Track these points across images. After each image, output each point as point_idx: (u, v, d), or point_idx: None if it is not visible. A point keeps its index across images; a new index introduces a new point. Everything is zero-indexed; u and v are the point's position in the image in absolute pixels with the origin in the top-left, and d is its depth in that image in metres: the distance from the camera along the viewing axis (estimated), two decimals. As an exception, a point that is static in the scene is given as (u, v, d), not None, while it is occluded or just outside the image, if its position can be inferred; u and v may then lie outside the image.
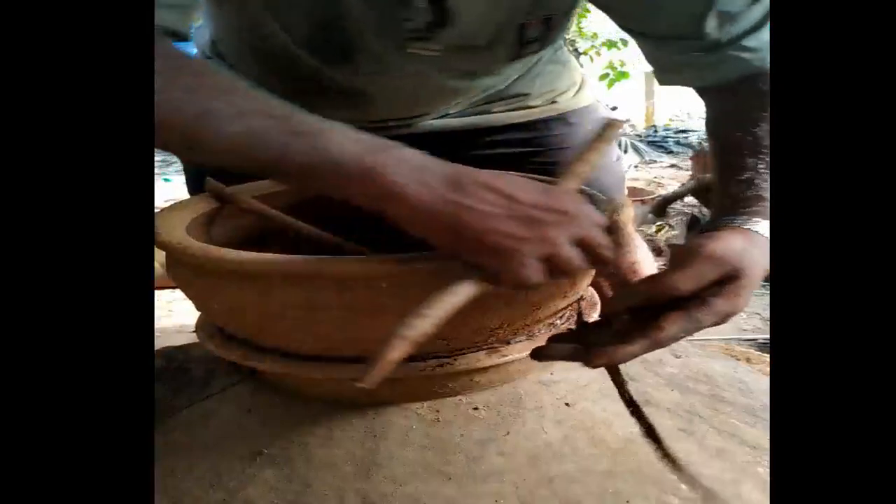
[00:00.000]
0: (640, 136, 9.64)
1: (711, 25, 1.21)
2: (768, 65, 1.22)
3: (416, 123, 1.62)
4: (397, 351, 0.76)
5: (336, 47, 1.31)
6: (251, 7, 1.28)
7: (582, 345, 0.90)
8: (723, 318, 0.89)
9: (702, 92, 1.31)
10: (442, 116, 1.64)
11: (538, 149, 1.69)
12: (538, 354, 0.92)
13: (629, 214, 1.56)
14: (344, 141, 0.85)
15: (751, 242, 0.92)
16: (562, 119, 1.73)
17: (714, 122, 1.27)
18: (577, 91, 1.77)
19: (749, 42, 1.21)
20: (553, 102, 1.71)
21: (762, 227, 0.95)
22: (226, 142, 0.87)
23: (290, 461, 0.91)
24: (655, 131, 10.08)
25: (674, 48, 1.27)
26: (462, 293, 0.82)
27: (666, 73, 1.34)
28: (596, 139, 0.98)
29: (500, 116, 1.68)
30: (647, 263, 1.93)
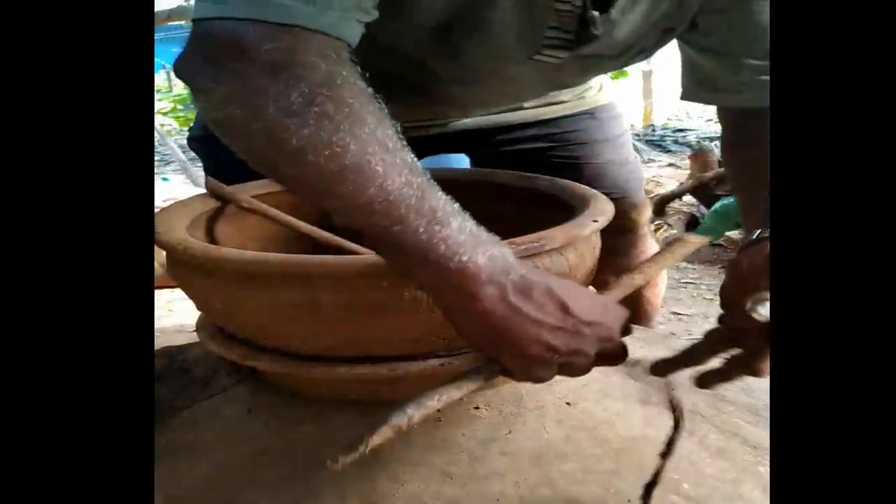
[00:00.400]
0: (638, 135, 9.63)
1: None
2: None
3: (452, 123, 1.63)
4: (382, 437, 0.75)
5: (454, 44, 1.25)
6: None
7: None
8: None
9: (728, 111, 1.31)
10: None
11: (560, 144, 1.68)
12: (703, 383, 0.92)
13: (647, 215, 1.58)
14: (457, 234, 0.84)
15: None
16: (588, 114, 1.73)
17: (739, 143, 1.28)
18: (601, 88, 1.77)
19: None
20: (581, 98, 1.71)
21: None
22: (360, 203, 0.82)
23: (292, 461, 0.91)
24: (654, 130, 10.07)
25: (735, 65, 1.26)
26: (465, 388, 0.82)
27: (700, 88, 1.33)
28: (664, 253, 0.95)
29: (530, 113, 1.68)
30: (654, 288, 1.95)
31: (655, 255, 0.95)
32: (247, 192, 1.21)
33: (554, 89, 1.56)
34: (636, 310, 1.86)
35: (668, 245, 0.94)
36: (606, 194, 1.18)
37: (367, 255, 1.01)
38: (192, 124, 1.82)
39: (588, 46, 1.24)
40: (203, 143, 1.75)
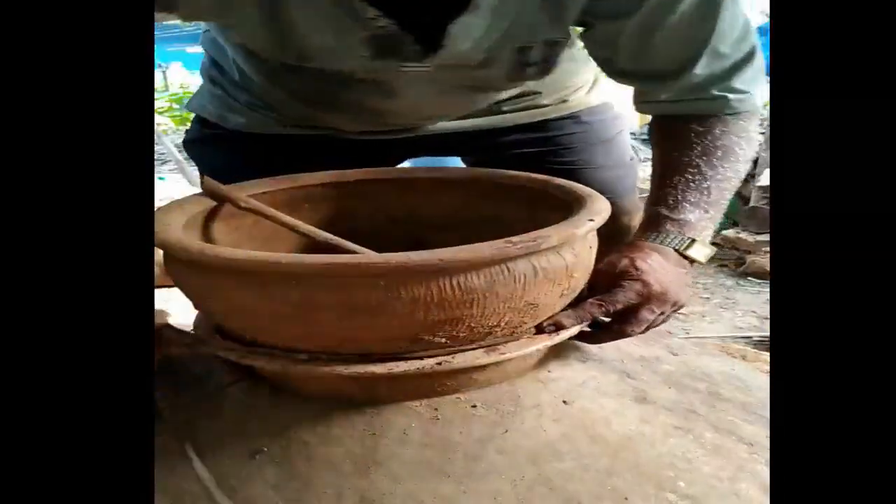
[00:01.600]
0: (634, 134, 9.63)
1: (701, 65, 1.25)
2: (749, 108, 1.30)
3: (424, 127, 1.65)
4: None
5: (346, 74, 1.33)
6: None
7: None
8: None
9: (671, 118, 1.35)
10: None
11: (554, 148, 1.69)
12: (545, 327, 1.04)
13: (640, 218, 1.59)
14: None
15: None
16: (573, 118, 1.73)
17: (666, 144, 1.34)
18: (591, 88, 1.76)
19: (735, 83, 1.28)
20: (564, 101, 1.71)
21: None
22: None
23: (290, 459, 0.91)
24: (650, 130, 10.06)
25: (659, 87, 1.32)
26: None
27: (643, 104, 1.39)
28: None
29: (508, 117, 1.68)
30: None
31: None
32: (244, 191, 1.21)
33: (472, 97, 1.57)
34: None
35: None
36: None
37: (364, 255, 1.02)
38: (189, 126, 1.84)
39: (434, 58, 1.26)
40: (197, 146, 1.78)
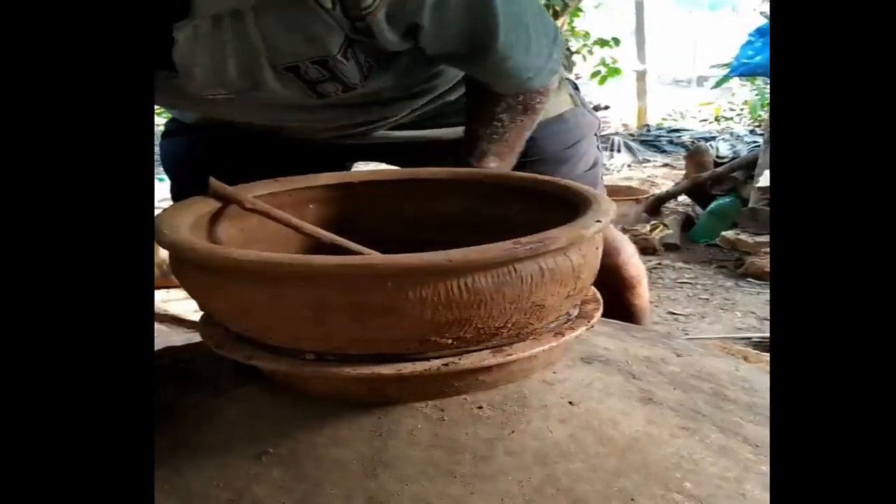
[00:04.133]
0: (632, 135, 9.64)
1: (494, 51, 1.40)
2: (536, 85, 1.54)
3: (369, 133, 1.71)
4: None
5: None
6: None
7: None
8: None
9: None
10: (397, 127, 1.72)
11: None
12: None
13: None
14: None
15: None
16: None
17: (476, 100, 1.57)
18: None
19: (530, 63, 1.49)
20: None
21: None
22: None
23: (298, 461, 0.92)
24: (648, 130, 10.09)
25: (468, 68, 1.54)
26: None
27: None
28: None
29: (448, 131, 1.73)
30: (633, 262, 1.96)
31: None
32: (249, 192, 1.22)
33: (361, 112, 1.64)
34: (623, 314, 1.88)
35: None
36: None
37: (372, 256, 1.02)
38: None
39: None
40: (166, 138, 1.85)
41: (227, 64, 1.33)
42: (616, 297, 1.97)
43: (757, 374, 1.21)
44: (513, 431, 0.94)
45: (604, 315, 1.11)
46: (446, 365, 0.95)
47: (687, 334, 3.84)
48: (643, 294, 2.06)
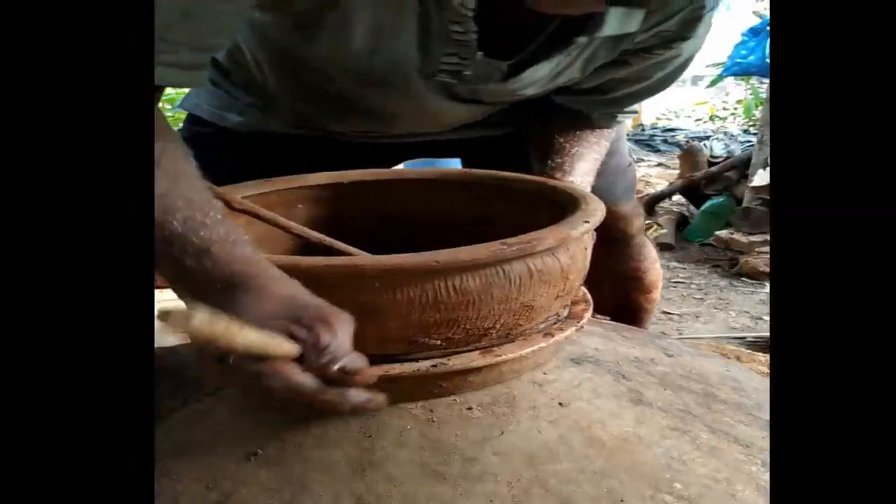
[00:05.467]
0: (627, 135, 9.64)
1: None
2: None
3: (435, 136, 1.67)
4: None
5: (379, 77, 1.33)
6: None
7: None
8: None
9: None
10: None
11: None
12: None
13: (637, 225, 1.68)
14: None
15: None
16: None
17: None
18: None
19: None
20: None
21: None
22: None
23: (286, 462, 0.91)
24: (643, 130, 10.09)
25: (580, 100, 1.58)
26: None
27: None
28: None
29: (494, 129, 1.72)
30: (655, 268, 1.97)
31: None
32: (238, 192, 1.21)
33: (483, 110, 1.60)
34: (631, 315, 1.88)
35: None
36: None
37: (359, 256, 1.02)
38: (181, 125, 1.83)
39: (482, 84, 1.35)
40: (190, 145, 1.77)
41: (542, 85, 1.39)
42: (630, 300, 1.99)
43: (747, 375, 1.21)
44: (502, 432, 0.94)
45: (612, 316, 1.11)
46: (435, 366, 0.95)
47: (681, 334, 3.84)
48: (656, 299, 2.07)
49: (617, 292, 1.78)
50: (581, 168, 1.54)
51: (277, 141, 1.63)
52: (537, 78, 1.37)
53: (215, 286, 0.86)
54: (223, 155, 1.62)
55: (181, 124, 1.82)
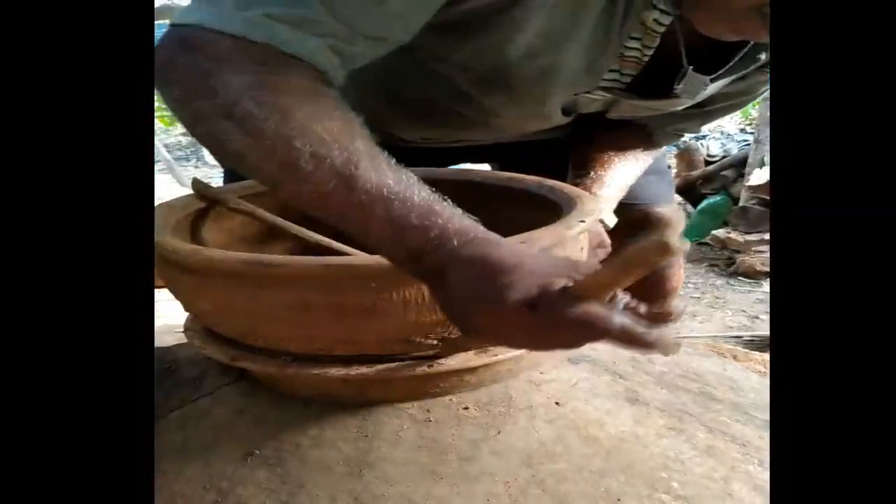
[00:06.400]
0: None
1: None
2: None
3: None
4: None
5: (510, 83, 1.31)
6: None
7: None
8: None
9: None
10: None
11: None
12: None
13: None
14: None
15: None
16: None
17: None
18: None
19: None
20: None
21: None
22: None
23: (283, 462, 0.91)
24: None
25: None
26: None
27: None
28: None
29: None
30: (679, 274, 1.98)
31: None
32: (233, 192, 1.21)
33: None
34: (657, 289, 1.87)
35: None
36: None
37: (356, 257, 1.02)
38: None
39: (645, 99, 1.40)
40: None
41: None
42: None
43: (744, 374, 1.21)
44: (499, 432, 0.94)
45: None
46: (431, 366, 0.95)
47: (678, 333, 3.84)
48: (680, 277, 2.06)
49: (634, 296, 1.78)
50: (621, 182, 1.53)
51: None
52: (711, 92, 1.41)
53: (451, 241, 0.85)
54: None
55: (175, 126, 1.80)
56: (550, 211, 1.09)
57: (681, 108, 1.42)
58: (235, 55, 0.90)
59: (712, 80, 1.34)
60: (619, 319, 0.73)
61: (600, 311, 0.74)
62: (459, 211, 0.88)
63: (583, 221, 1.01)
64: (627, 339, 0.74)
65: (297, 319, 0.92)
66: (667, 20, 1.20)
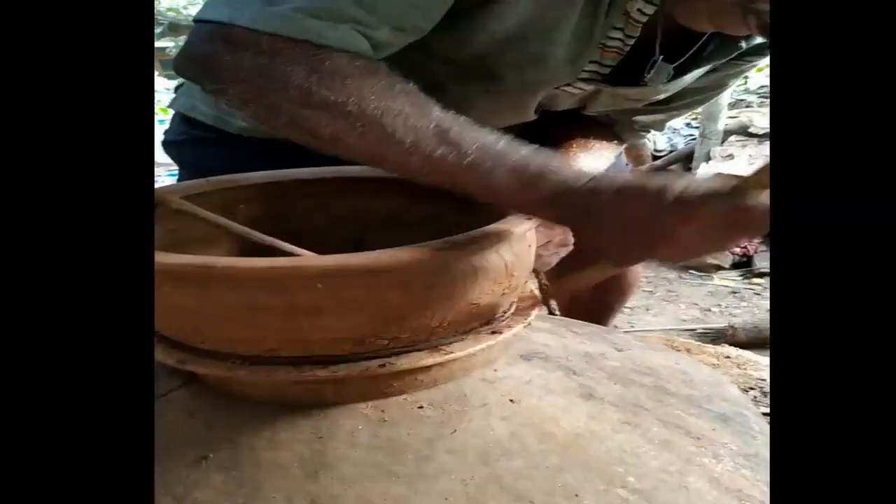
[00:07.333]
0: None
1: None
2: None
3: None
4: None
5: (493, 72, 1.34)
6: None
7: None
8: None
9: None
10: None
11: None
12: None
13: None
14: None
15: None
16: None
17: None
18: None
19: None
20: None
21: None
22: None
23: (238, 465, 0.90)
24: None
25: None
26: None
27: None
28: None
29: None
30: (636, 270, 2.01)
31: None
32: (177, 193, 1.20)
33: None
34: (599, 316, 1.89)
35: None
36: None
37: (302, 257, 1.01)
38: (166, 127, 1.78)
39: (622, 87, 1.38)
40: (187, 148, 1.72)
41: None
42: (604, 299, 1.98)
43: (696, 367, 1.22)
44: (454, 430, 0.93)
45: (580, 310, 1.12)
46: (383, 366, 0.94)
47: (633, 326, 3.88)
48: (628, 300, 2.08)
49: (593, 294, 1.79)
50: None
51: (287, 147, 1.59)
52: (687, 82, 1.43)
53: (581, 180, 0.96)
54: (225, 160, 1.59)
55: (168, 125, 1.77)
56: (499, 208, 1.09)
57: (662, 96, 1.44)
58: (280, 50, 0.94)
59: (682, 72, 1.36)
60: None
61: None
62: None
63: (530, 219, 1.01)
64: None
65: (244, 321, 0.91)
66: (650, 10, 1.22)
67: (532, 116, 1.48)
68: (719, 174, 0.95)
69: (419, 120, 0.94)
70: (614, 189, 0.94)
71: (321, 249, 1.05)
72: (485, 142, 0.95)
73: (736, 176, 0.92)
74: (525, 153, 0.97)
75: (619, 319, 3.92)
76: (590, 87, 1.40)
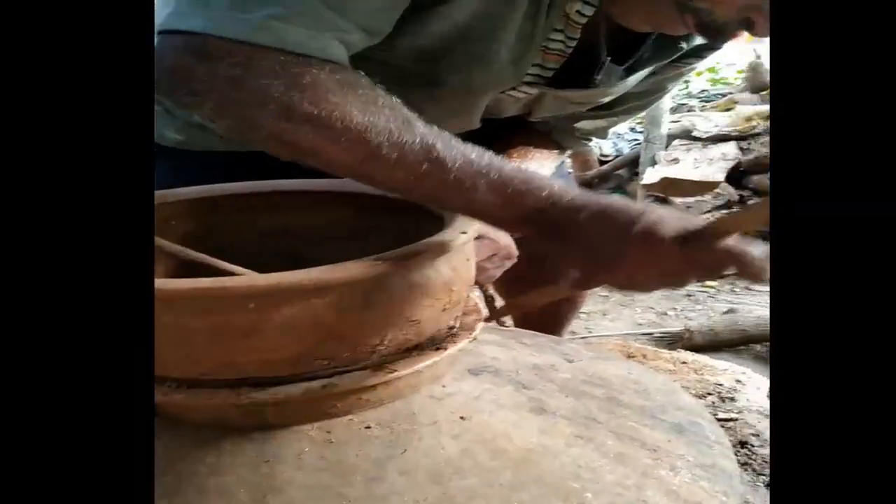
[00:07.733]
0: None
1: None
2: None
3: None
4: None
5: (436, 74, 1.33)
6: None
7: None
8: None
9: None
10: None
11: None
12: None
13: None
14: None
15: None
16: None
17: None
18: None
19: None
20: None
21: None
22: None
23: (181, 492, 0.87)
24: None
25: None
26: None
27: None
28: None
29: None
30: None
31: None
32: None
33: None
34: (552, 326, 1.89)
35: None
36: None
37: (236, 277, 0.98)
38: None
39: (567, 90, 1.38)
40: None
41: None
42: (555, 311, 1.99)
43: (650, 376, 1.21)
44: (404, 450, 0.91)
45: (532, 322, 1.11)
46: (325, 387, 0.92)
47: (590, 331, 3.90)
48: (580, 308, 2.09)
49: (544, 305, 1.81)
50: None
51: (224, 160, 1.57)
52: (631, 84, 1.45)
53: (564, 197, 0.99)
54: (158, 175, 1.55)
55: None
56: (434, 222, 1.08)
57: (606, 99, 1.45)
58: (257, 60, 0.92)
59: (628, 71, 1.37)
60: (757, 251, 0.88)
61: (742, 245, 0.90)
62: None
63: (465, 233, 1.00)
64: (760, 266, 0.89)
65: (176, 344, 0.88)
66: (589, 11, 1.23)
67: (476, 125, 1.47)
68: (718, 217, 1.00)
69: (404, 135, 0.94)
70: (595, 209, 0.96)
71: (255, 265, 1.04)
72: (469, 158, 0.97)
73: (724, 216, 0.96)
74: (508, 169, 0.99)
75: (576, 325, 3.93)
76: (534, 91, 1.40)
